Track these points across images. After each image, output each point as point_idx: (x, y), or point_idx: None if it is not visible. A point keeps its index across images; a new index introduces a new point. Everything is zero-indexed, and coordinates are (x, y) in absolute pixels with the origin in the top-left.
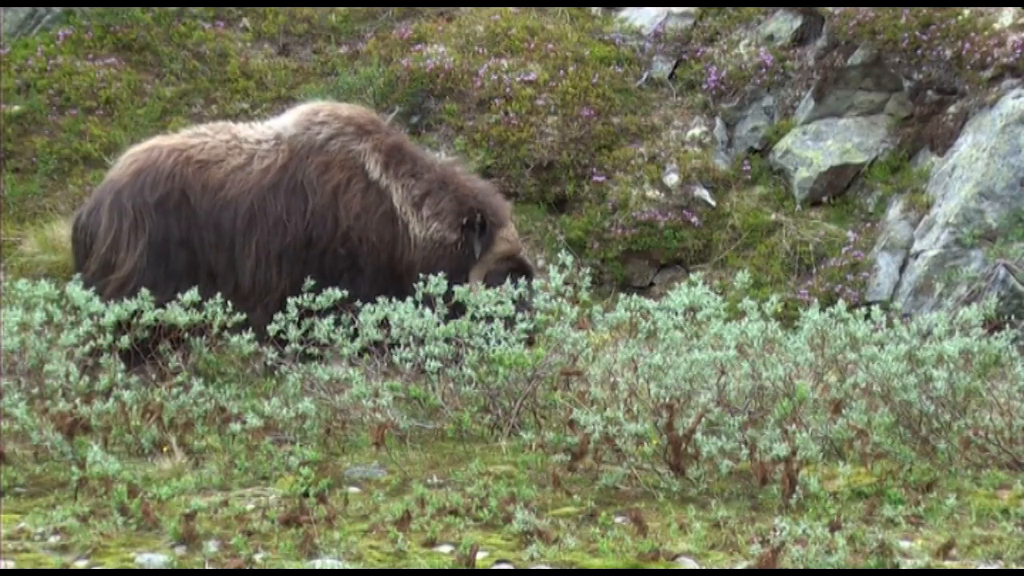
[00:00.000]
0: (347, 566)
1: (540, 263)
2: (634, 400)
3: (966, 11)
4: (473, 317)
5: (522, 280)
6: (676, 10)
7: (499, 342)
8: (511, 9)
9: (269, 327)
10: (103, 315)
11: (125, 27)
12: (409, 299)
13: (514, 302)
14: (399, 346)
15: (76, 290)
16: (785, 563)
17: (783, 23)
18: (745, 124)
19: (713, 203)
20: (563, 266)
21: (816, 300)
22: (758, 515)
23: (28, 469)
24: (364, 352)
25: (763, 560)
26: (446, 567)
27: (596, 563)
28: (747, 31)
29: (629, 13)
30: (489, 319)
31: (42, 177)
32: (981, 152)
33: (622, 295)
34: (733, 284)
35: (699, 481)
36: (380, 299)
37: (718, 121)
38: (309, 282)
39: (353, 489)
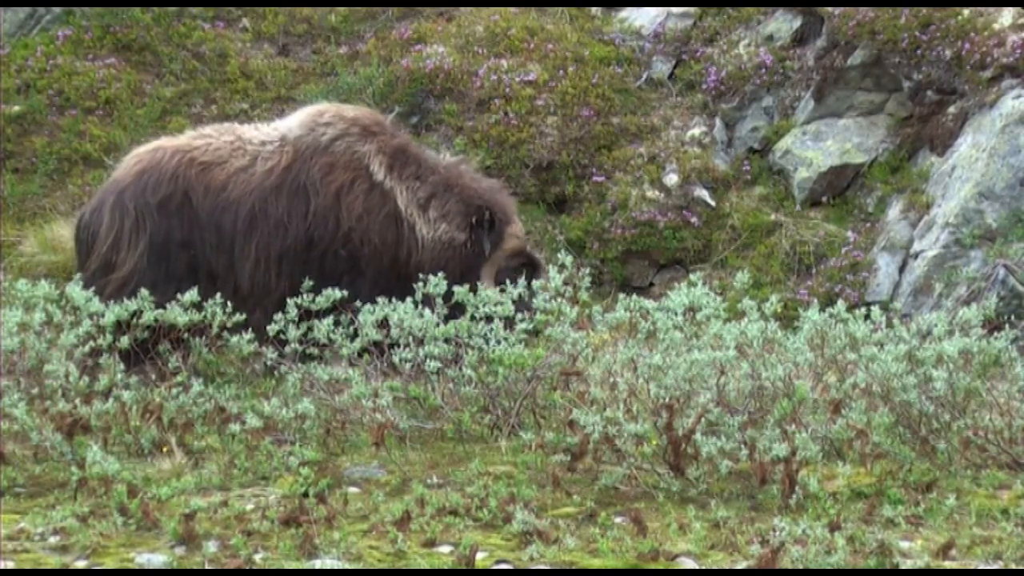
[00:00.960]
0: (347, 566)
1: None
2: (634, 400)
3: (966, 11)
4: (473, 317)
5: (524, 277)
6: (676, 10)
7: (499, 342)
8: (511, 9)
9: (269, 327)
10: (103, 315)
11: (125, 27)
12: (409, 299)
13: (514, 302)
14: (399, 346)
15: (76, 290)
16: (785, 563)
17: (783, 23)
18: (745, 124)
19: (713, 203)
20: (563, 266)
21: (816, 300)
22: (758, 515)
23: (28, 469)
24: (364, 352)
25: (763, 560)
26: (446, 567)
27: (596, 563)
28: (747, 31)
29: (629, 13)
30: (489, 319)
31: (42, 177)
32: (981, 152)
33: (622, 295)
34: (733, 284)
35: (699, 481)
36: (381, 300)
37: (718, 121)
38: (308, 283)
39: (353, 489)
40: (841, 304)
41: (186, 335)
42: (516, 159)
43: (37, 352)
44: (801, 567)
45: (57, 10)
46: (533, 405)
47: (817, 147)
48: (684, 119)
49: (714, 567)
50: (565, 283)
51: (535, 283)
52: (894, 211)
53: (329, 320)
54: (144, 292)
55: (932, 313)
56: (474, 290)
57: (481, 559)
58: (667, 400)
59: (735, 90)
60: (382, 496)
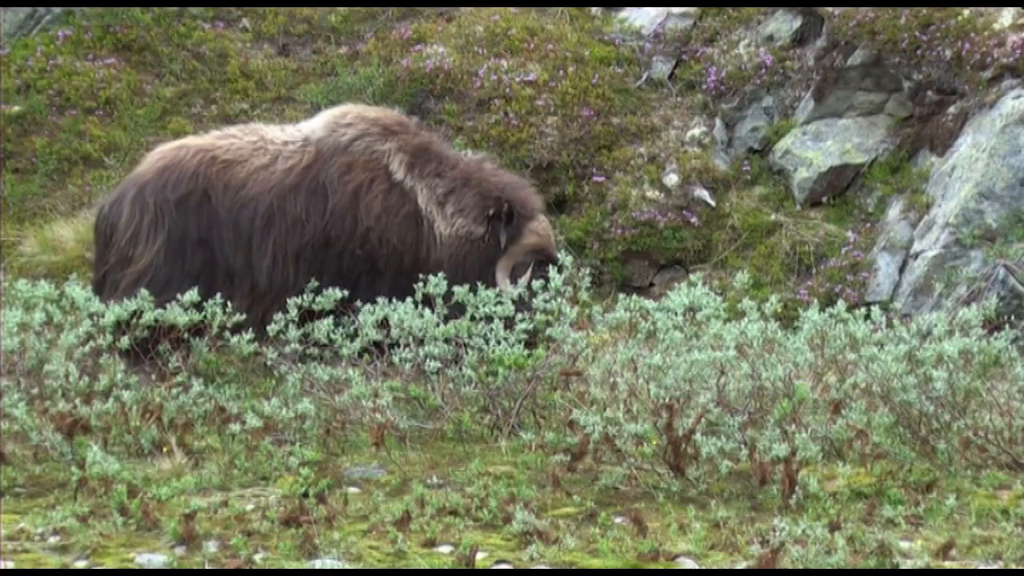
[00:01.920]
0: (347, 566)
1: None
2: (634, 400)
3: (966, 11)
4: (473, 318)
5: (534, 275)
6: (676, 10)
7: (499, 342)
8: (511, 9)
9: (269, 327)
10: (104, 315)
11: (125, 27)
12: (409, 299)
13: (514, 301)
14: (399, 346)
15: (76, 290)
16: (785, 563)
17: (783, 23)
18: (745, 124)
19: (713, 203)
20: (562, 266)
21: (816, 300)
22: (758, 515)
23: (28, 469)
24: (364, 352)
25: (763, 560)
26: (446, 567)
27: (596, 563)
28: (747, 31)
29: (629, 13)
30: (489, 319)
31: (42, 177)
32: (981, 152)
33: (622, 295)
34: (733, 284)
35: (699, 481)
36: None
37: (718, 121)
38: (312, 282)
39: (353, 489)
40: (841, 304)
41: (186, 335)
42: (516, 159)
43: (37, 352)
44: (801, 567)
45: (57, 10)
46: (533, 405)
47: (817, 147)
48: (684, 119)
49: (714, 567)
50: (565, 283)
51: (536, 283)
52: (894, 211)
53: (329, 320)
54: (144, 292)
55: (932, 313)
56: (492, 286)
57: (481, 559)
58: (667, 400)
59: (735, 90)
60: (382, 496)
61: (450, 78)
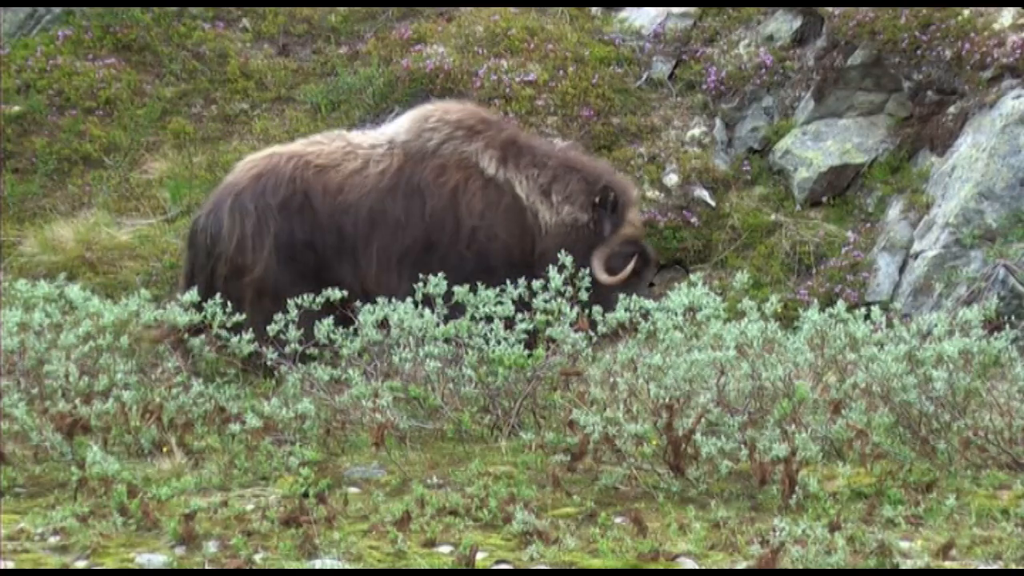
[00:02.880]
0: (347, 566)
1: None
2: (634, 400)
3: (966, 11)
4: (473, 318)
5: (632, 268)
6: (676, 10)
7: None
8: (511, 9)
9: (268, 327)
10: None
11: (125, 27)
12: (409, 300)
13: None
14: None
15: (74, 290)
16: (785, 563)
17: (783, 23)
18: (745, 124)
19: (713, 203)
20: (563, 266)
21: (816, 300)
22: (758, 515)
23: (28, 469)
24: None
25: (763, 560)
26: (446, 567)
27: (596, 563)
28: (747, 31)
29: (629, 13)
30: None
31: (42, 177)
32: (981, 152)
33: (622, 295)
34: (733, 284)
35: (699, 481)
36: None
37: (718, 121)
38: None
39: (353, 489)
40: (841, 304)
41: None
42: None
43: (37, 352)
44: (801, 567)
45: (57, 10)
46: (533, 405)
47: (817, 147)
48: (684, 119)
49: (714, 567)
50: (565, 283)
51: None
52: (894, 211)
53: (329, 321)
54: (144, 293)
55: (932, 313)
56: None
57: (481, 559)
58: (667, 400)
59: (735, 90)
60: (382, 496)
61: (450, 78)
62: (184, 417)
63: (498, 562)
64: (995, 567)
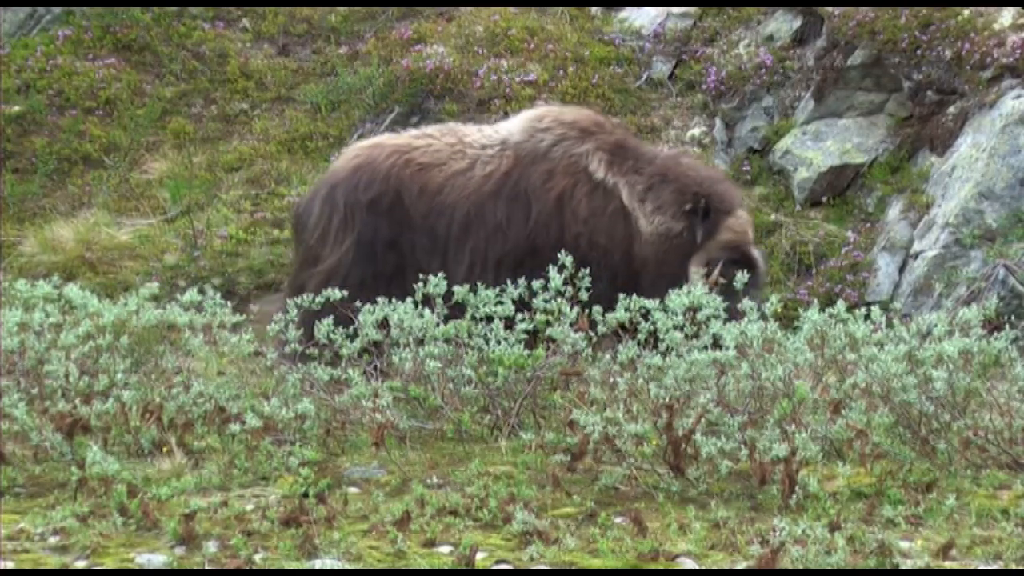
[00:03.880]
0: (347, 566)
1: None
2: (634, 400)
3: (966, 11)
4: (473, 317)
5: (735, 276)
6: (676, 10)
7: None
8: (511, 9)
9: (269, 328)
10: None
11: (125, 27)
12: (408, 300)
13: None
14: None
15: (74, 290)
16: (785, 563)
17: (783, 23)
18: (745, 124)
19: None
20: (562, 266)
21: (816, 300)
22: (758, 515)
23: (28, 469)
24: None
25: (763, 560)
26: (446, 567)
27: (596, 563)
28: (747, 31)
29: (629, 13)
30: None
31: (42, 177)
32: (981, 152)
33: (622, 295)
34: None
35: (699, 481)
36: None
37: (718, 121)
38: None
39: (353, 489)
40: (841, 304)
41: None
42: None
43: (36, 352)
44: (801, 567)
45: (57, 10)
46: (533, 405)
47: (817, 147)
48: (684, 119)
49: (714, 567)
50: (565, 283)
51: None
52: (894, 211)
53: (329, 321)
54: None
55: (932, 313)
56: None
57: (481, 559)
58: (667, 400)
59: (735, 90)
60: (382, 496)
61: (450, 78)
62: (184, 417)
63: (498, 562)
64: (995, 567)
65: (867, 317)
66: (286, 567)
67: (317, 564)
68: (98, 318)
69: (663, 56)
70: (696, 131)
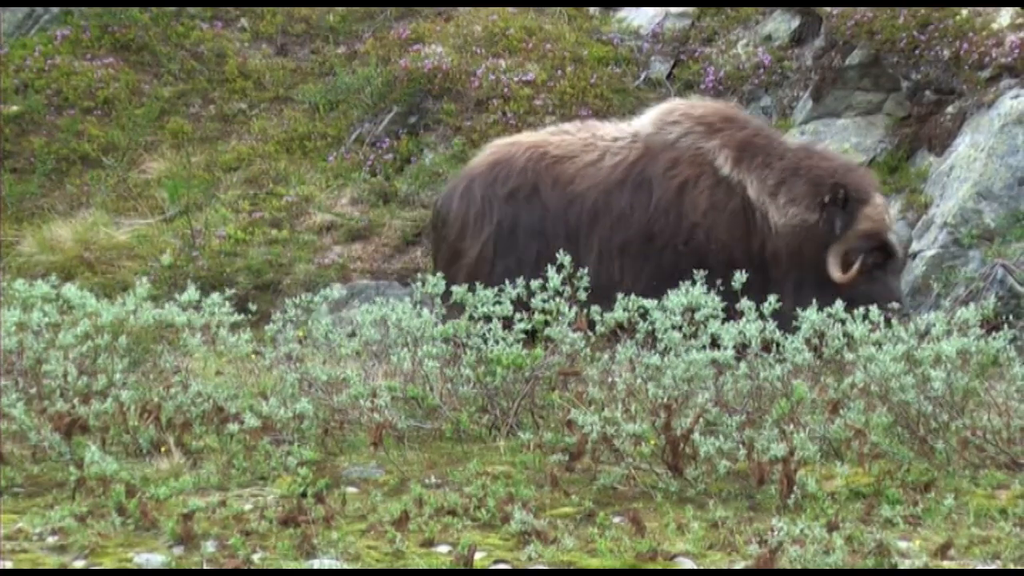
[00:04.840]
0: (345, 566)
1: None
2: (632, 400)
3: (964, 11)
4: (472, 317)
5: (875, 266)
6: (674, 10)
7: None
8: (509, 9)
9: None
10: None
11: (123, 27)
12: (407, 300)
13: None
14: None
15: (72, 290)
16: (783, 563)
17: (781, 23)
18: None
19: None
20: (561, 266)
21: None
22: (756, 515)
23: (26, 469)
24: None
25: (761, 560)
26: (444, 567)
27: (594, 563)
28: (745, 31)
29: (627, 13)
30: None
31: (40, 177)
32: (979, 152)
33: (620, 295)
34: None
35: (697, 481)
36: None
37: None
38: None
39: (351, 489)
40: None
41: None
42: None
43: (35, 352)
44: (799, 567)
45: (55, 10)
46: (531, 405)
47: None
48: None
49: (712, 567)
50: (563, 282)
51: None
52: (892, 211)
53: (328, 320)
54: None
55: (930, 313)
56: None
57: (479, 559)
58: (665, 400)
59: (733, 90)
60: (380, 496)
61: (448, 78)
62: (182, 417)
63: (496, 562)
64: (993, 567)
65: (865, 317)
66: (284, 567)
67: (315, 564)
68: (96, 318)
69: (661, 56)
70: None
